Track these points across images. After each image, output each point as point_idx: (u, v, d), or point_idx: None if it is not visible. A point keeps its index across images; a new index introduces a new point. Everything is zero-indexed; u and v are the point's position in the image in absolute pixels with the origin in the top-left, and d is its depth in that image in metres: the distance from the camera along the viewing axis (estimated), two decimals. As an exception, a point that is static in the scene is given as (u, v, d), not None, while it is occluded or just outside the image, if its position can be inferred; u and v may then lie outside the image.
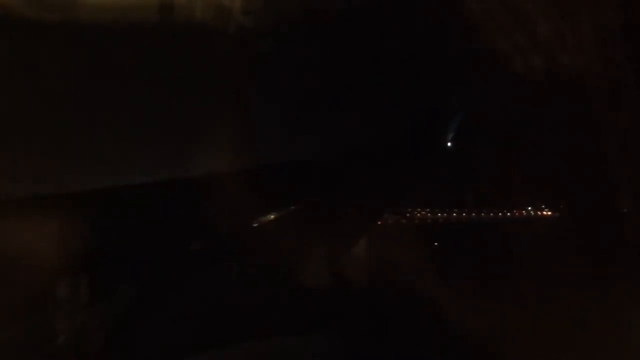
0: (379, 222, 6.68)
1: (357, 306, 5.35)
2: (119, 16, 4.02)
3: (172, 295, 4.35)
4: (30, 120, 3.50)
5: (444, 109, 6.99)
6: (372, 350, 4.83)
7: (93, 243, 3.97)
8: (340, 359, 4.89)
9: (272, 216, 5.51)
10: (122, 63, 3.86)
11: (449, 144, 7.24)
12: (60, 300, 3.87)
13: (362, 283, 5.53)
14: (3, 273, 3.65)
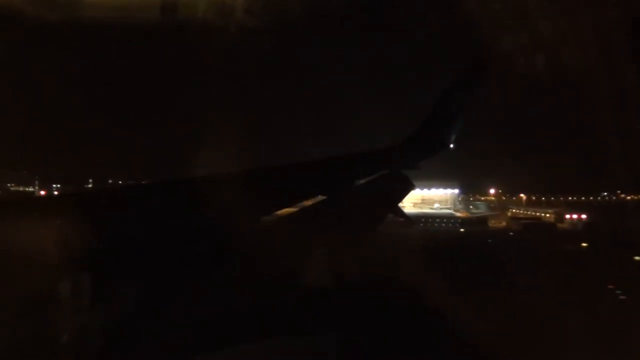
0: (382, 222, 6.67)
1: (359, 306, 5.34)
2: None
3: (174, 295, 4.35)
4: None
5: (446, 111, 6.98)
6: (373, 350, 4.83)
7: (95, 244, 3.97)
8: (342, 358, 4.88)
9: (275, 216, 5.51)
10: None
11: (451, 145, 7.23)
12: (62, 301, 3.87)
13: (364, 283, 5.53)
14: (6, 273, 3.66)
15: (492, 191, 51.61)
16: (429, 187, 51.62)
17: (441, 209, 50.13)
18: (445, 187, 52.84)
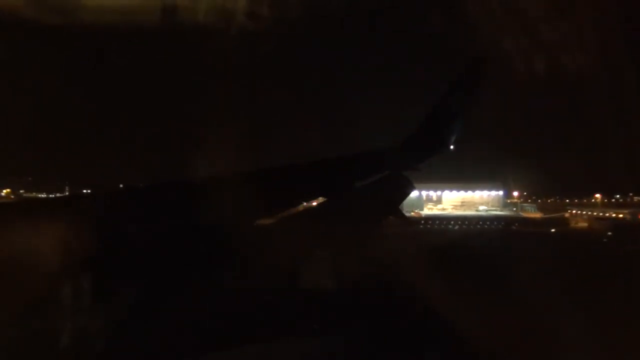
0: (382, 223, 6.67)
1: (359, 307, 5.35)
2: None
3: (174, 296, 4.37)
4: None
5: (446, 112, 6.99)
6: (374, 350, 4.83)
7: (95, 245, 3.99)
8: (342, 359, 4.89)
9: (276, 217, 5.52)
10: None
11: (452, 146, 7.24)
12: (63, 301, 3.88)
13: (364, 284, 5.53)
14: (6, 275, 3.68)
15: (515, 194, 50.64)
16: (473, 190, 50.37)
17: (487, 210, 48.83)
18: (490, 188, 51.43)
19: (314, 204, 6.05)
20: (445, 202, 50.95)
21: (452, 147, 7.23)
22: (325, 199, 5.95)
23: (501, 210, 49.63)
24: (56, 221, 4.05)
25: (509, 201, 52.08)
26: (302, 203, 5.87)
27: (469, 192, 51.66)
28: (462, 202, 51.29)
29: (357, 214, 6.06)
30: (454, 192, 51.17)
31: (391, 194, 6.67)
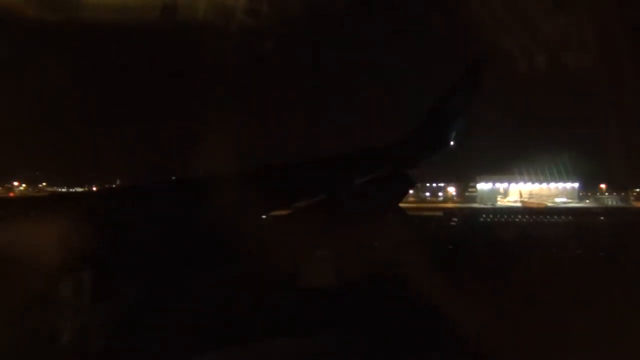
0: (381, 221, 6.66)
1: (359, 306, 5.34)
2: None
3: (174, 296, 4.36)
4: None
5: (447, 110, 6.97)
6: (373, 350, 4.83)
7: (95, 244, 3.98)
8: (342, 359, 4.88)
9: (275, 216, 5.51)
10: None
11: (452, 142, 7.22)
12: (63, 301, 3.88)
13: (364, 283, 5.53)
14: (7, 274, 3.67)
15: (602, 185, 49.31)
16: (547, 182, 49.22)
17: (565, 203, 47.63)
18: (564, 180, 50.24)
19: (314, 202, 6.04)
20: (512, 194, 50.02)
21: (452, 143, 7.21)
22: (325, 197, 5.93)
23: (577, 203, 48.51)
24: (57, 218, 4.05)
25: (581, 194, 50.85)
26: (302, 201, 5.86)
27: (543, 184, 50.32)
28: (530, 195, 50.16)
29: (357, 212, 6.04)
30: (528, 184, 49.95)
31: (391, 192, 6.65)
